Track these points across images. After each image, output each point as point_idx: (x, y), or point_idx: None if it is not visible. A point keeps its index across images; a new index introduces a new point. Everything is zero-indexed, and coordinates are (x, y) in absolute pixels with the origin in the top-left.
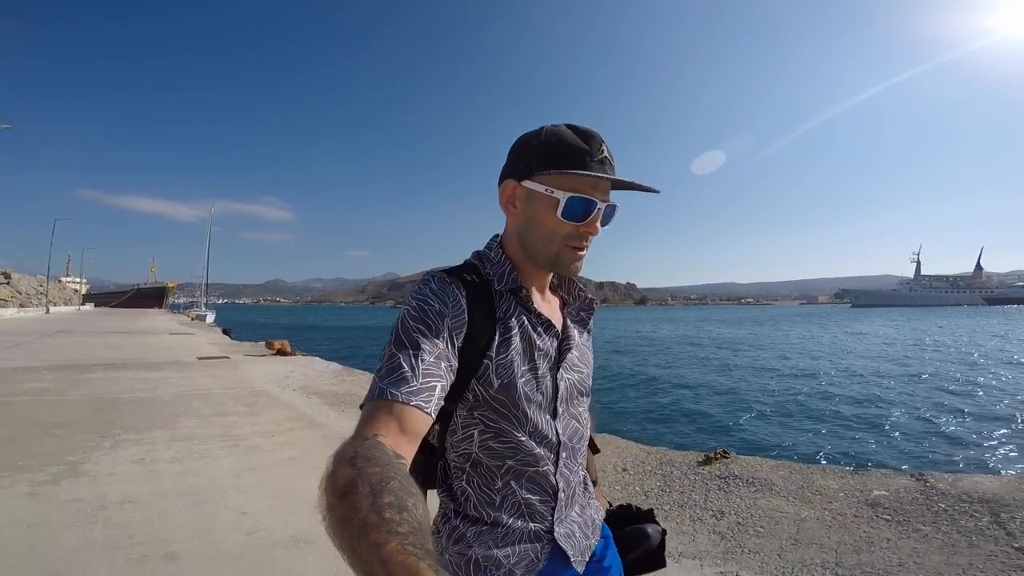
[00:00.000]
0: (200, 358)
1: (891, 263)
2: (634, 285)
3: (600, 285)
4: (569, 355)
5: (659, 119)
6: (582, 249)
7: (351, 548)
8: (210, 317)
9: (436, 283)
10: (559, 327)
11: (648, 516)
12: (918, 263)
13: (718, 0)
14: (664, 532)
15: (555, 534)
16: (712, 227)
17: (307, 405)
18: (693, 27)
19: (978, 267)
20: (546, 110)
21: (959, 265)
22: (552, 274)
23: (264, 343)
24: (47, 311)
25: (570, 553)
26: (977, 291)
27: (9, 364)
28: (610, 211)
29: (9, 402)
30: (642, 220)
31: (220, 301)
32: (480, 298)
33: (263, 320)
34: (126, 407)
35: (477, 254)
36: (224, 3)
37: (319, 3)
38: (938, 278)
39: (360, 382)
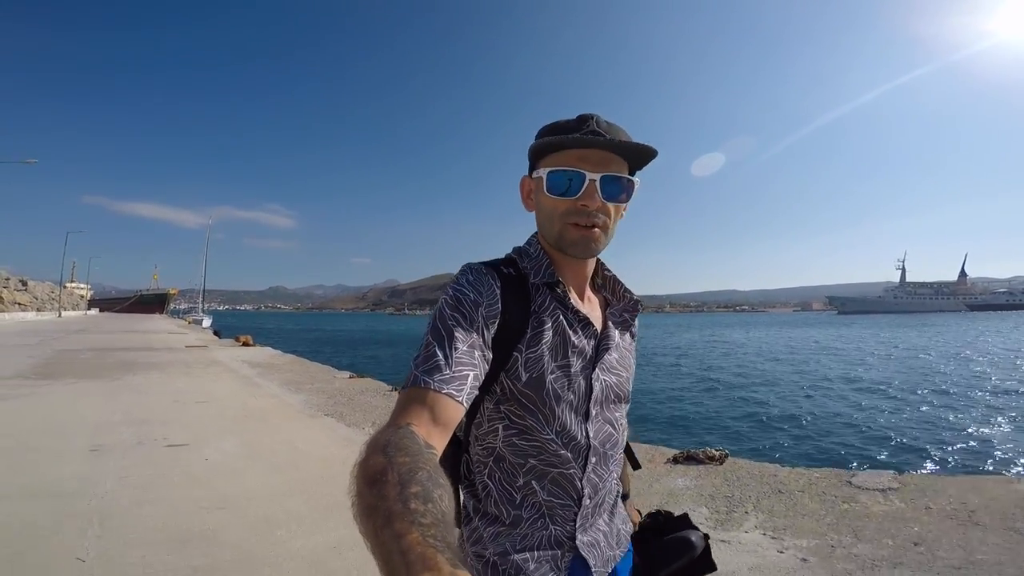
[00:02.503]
0: (187, 346)
1: (888, 269)
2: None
3: None
4: (607, 356)
5: (663, 124)
6: (588, 226)
7: (375, 536)
8: (206, 322)
9: (472, 273)
10: (598, 327)
11: (685, 522)
12: (903, 270)
13: (723, 3)
14: (707, 537)
15: (577, 542)
16: (714, 233)
17: (238, 367)
18: (696, 32)
19: (962, 274)
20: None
21: (951, 272)
22: (594, 272)
23: (234, 337)
24: (59, 315)
25: (592, 563)
26: (960, 298)
27: (62, 348)
28: (610, 183)
29: (77, 360)
30: (642, 224)
31: (222, 307)
32: (515, 290)
33: (259, 326)
34: (138, 364)
35: (517, 249)
36: (231, 14)
37: (326, 13)
38: (922, 285)
39: (287, 364)
